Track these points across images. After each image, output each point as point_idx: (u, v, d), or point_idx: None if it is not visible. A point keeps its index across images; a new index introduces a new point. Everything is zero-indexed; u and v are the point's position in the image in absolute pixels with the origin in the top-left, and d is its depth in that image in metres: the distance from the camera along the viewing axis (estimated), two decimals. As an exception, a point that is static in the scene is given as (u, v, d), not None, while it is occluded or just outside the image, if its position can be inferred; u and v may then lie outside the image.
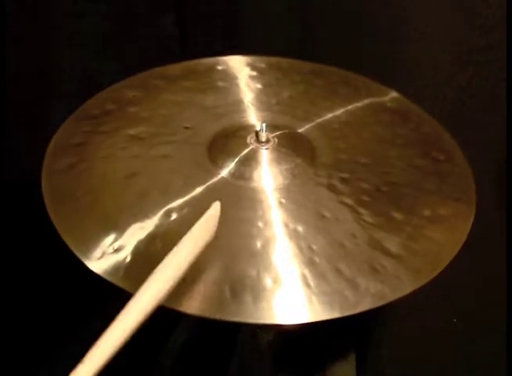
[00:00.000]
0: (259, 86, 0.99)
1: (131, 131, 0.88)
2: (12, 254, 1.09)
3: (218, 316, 0.65)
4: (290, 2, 1.22)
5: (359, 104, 0.97)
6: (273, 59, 1.04)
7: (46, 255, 1.09)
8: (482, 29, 1.05)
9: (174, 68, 1.02)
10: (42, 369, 1.14)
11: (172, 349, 1.07)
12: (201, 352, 1.08)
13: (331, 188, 0.81)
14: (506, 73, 1.04)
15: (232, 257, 0.71)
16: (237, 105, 0.95)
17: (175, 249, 0.64)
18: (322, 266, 0.71)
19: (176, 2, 1.23)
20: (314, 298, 0.68)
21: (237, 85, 0.99)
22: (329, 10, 1.17)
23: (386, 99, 0.99)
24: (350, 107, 0.96)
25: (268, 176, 0.82)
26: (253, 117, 0.93)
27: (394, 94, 0.99)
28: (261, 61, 1.03)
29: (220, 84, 0.99)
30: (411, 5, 1.08)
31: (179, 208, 0.76)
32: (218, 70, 1.02)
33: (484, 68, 1.07)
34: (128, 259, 0.70)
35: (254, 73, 1.01)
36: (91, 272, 0.69)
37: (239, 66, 1.03)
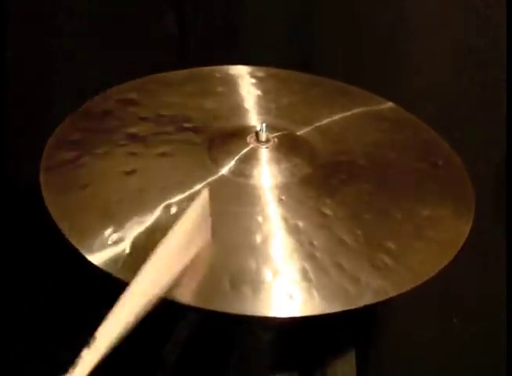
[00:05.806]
0: (259, 93, 0.99)
1: (131, 131, 0.88)
2: (12, 250, 1.09)
3: (217, 308, 0.65)
4: (289, 4, 1.22)
5: (357, 111, 0.97)
6: (272, 70, 1.05)
7: (46, 250, 1.09)
8: (482, 29, 1.05)
9: (174, 75, 1.03)
10: (42, 367, 1.14)
11: (175, 346, 1.06)
12: (203, 350, 1.08)
13: (331, 187, 0.81)
14: (506, 73, 1.04)
15: (232, 250, 0.71)
16: (237, 109, 0.96)
17: (167, 238, 0.64)
18: (323, 261, 0.71)
19: (176, 2, 1.24)
20: (314, 292, 0.68)
21: (237, 91, 0.99)
22: (330, 11, 1.17)
23: (383, 108, 1.00)
24: (348, 114, 0.96)
25: (268, 174, 0.82)
26: (253, 119, 0.93)
27: (390, 104, 1.00)
28: (261, 71, 1.04)
29: (220, 89, 1.00)
30: (411, 5, 1.09)
31: (179, 202, 0.76)
32: (218, 78, 1.02)
33: (484, 68, 1.08)
34: (127, 251, 0.70)
35: (254, 80, 1.02)
36: (91, 264, 0.69)
37: (239, 74, 1.03)
